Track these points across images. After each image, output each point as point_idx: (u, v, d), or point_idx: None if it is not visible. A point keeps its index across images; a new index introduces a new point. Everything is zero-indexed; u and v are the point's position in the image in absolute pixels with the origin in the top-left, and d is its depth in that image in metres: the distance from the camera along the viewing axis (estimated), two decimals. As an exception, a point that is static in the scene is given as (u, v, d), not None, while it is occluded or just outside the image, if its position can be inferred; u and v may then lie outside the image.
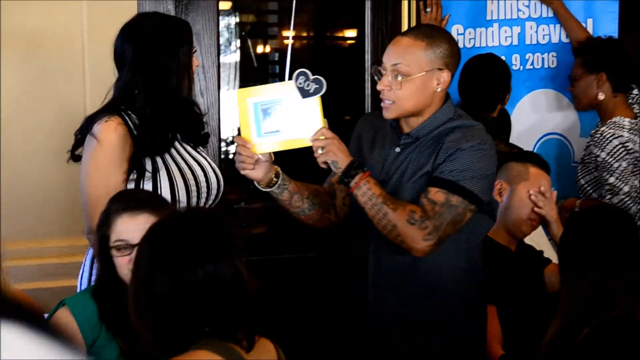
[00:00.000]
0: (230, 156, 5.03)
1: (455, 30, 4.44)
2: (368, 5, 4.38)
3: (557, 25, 4.58)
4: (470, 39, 4.48)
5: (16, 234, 3.84)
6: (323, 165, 2.79)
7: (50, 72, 3.87)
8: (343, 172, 2.76)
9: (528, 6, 4.56)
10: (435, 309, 2.89)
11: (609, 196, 4.02)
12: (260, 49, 8.02)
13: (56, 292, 3.64)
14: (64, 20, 3.85)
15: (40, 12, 3.83)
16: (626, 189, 3.99)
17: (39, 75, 3.87)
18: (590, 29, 4.58)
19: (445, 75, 2.82)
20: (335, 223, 3.04)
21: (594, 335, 2.72)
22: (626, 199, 3.99)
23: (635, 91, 4.23)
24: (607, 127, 4.06)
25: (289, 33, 7.36)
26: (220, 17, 7.01)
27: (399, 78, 2.78)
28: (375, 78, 2.86)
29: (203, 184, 3.14)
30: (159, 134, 3.03)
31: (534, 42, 4.58)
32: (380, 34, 4.40)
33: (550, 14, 4.57)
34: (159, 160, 3.06)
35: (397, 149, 2.88)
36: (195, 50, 3.15)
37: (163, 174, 3.05)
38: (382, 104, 2.85)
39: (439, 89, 2.82)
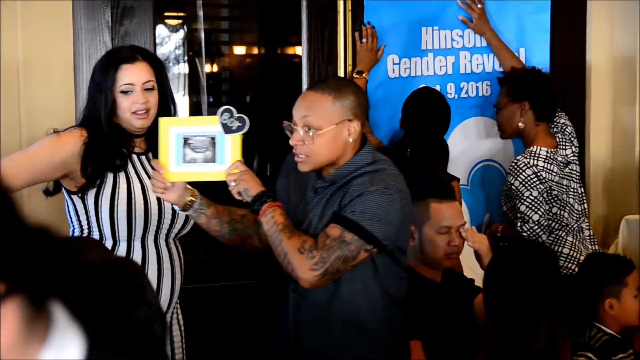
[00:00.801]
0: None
1: (390, 60, 4.51)
2: (304, 37, 4.43)
3: (491, 55, 4.67)
4: (405, 68, 4.54)
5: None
6: (237, 197, 2.89)
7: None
8: (253, 200, 2.85)
9: (462, 36, 4.64)
10: (354, 346, 2.93)
11: (519, 223, 4.10)
12: (208, 67, 8.05)
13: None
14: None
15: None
16: (536, 217, 4.08)
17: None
18: (522, 58, 4.68)
19: (355, 125, 2.86)
20: (259, 249, 3.10)
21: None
22: (535, 227, 4.08)
23: (562, 120, 4.33)
24: (523, 157, 4.17)
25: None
26: (169, 34, 7.06)
27: (311, 132, 2.83)
28: (287, 133, 2.90)
29: (167, 204, 3.21)
30: (101, 153, 3.18)
31: (468, 71, 4.66)
32: (317, 64, 4.45)
33: (484, 44, 4.65)
34: (121, 175, 3.21)
35: (313, 193, 2.94)
36: (129, 91, 3.19)
37: (122, 188, 3.20)
38: (296, 158, 2.89)
39: (350, 139, 2.87)
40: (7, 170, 3.17)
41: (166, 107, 3.28)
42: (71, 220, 3.31)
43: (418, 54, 4.57)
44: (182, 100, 6.92)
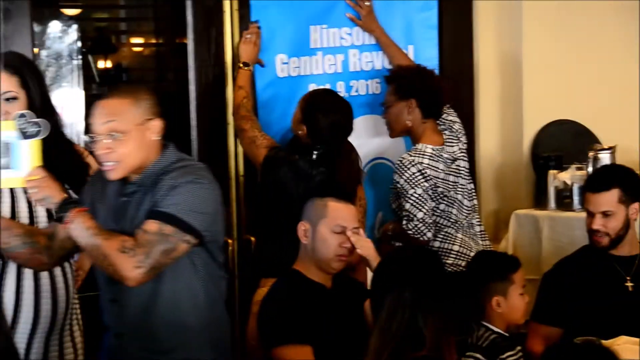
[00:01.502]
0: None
1: (279, 59, 4.49)
2: (190, 37, 4.38)
3: (381, 52, 4.67)
4: (294, 67, 4.52)
5: None
6: (39, 204, 2.91)
7: None
8: (58, 208, 2.84)
9: (350, 34, 4.63)
10: (178, 348, 2.95)
11: (405, 221, 4.11)
12: (102, 63, 7.91)
13: None
14: None
15: None
16: (420, 215, 4.08)
17: None
18: (411, 56, 4.69)
19: (157, 124, 2.94)
20: (47, 265, 3.10)
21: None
22: (420, 224, 4.08)
23: (450, 117, 4.35)
24: (408, 154, 4.17)
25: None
26: (64, 29, 6.92)
27: (117, 137, 2.86)
28: (89, 148, 2.95)
29: (40, 215, 3.19)
30: None
31: (358, 69, 4.66)
32: (204, 64, 4.40)
33: (373, 42, 4.65)
34: None
35: (124, 198, 2.95)
36: None
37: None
38: (104, 168, 2.91)
39: (154, 137, 2.93)
40: None
41: (39, 116, 3.17)
42: None
43: (307, 53, 4.54)
44: (79, 93, 6.83)
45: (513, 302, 3.45)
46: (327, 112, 4.11)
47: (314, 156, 4.03)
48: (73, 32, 7.08)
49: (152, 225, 2.81)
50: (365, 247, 3.44)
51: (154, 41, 7.61)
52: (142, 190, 2.92)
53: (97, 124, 2.87)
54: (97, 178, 3.04)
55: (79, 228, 2.81)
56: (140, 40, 7.85)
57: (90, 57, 7.74)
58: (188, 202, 2.84)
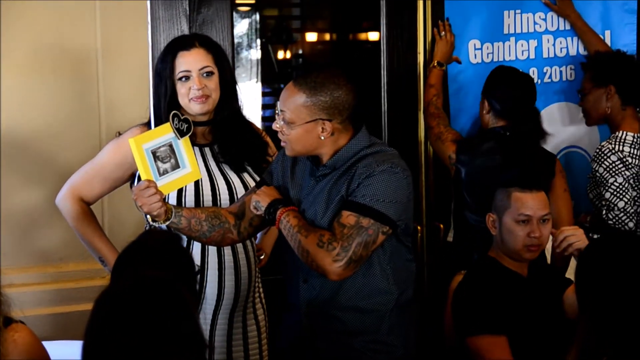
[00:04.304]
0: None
1: (472, 45, 4.44)
2: (383, 22, 4.37)
3: (575, 38, 4.56)
4: (488, 53, 4.45)
5: (33, 259, 3.87)
6: (254, 211, 2.98)
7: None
8: (265, 212, 2.93)
9: (545, 19, 4.53)
10: (367, 331, 2.96)
11: (604, 211, 4.02)
12: (281, 54, 8.01)
13: (74, 316, 3.67)
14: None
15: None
16: (621, 204, 3.99)
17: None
18: (608, 42, 4.56)
19: (328, 126, 2.88)
20: (237, 241, 3.16)
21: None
22: (621, 214, 3.99)
23: None
24: (608, 142, 4.08)
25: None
26: (240, 21, 7.06)
27: (286, 122, 2.88)
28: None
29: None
30: None
31: (552, 55, 4.56)
32: (396, 50, 4.38)
33: (568, 27, 4.54)
34: None
35: (315, 180, 2.97)
36: (185, 78, 3.28)
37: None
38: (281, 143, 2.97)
39: (322, 137, 2.89)
40: (79, 185, 3.36)
41: (227, 92, 3.30)
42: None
43: (500, 39, 4.47)
44: (254, 87, 6.94)
45: None
46: (510, 85, 4.01)
47: (503, 139, 3.94)
48: (250, 22, 7.21)
49: (349, 218, 2.82)
50: (575, 235, 3.33)
51: (333, 30, 7.65)
52: (335, 174, 2.93)
53: (278, 103, 2.92)
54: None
55: (285, 227, 2.88)
56: (318, 31, 7.90)
57: (269, 47, 7.85)
58: (384, 192, 2.83)
